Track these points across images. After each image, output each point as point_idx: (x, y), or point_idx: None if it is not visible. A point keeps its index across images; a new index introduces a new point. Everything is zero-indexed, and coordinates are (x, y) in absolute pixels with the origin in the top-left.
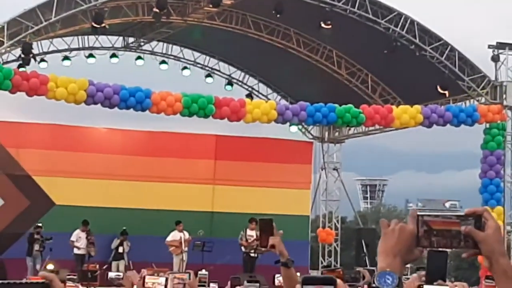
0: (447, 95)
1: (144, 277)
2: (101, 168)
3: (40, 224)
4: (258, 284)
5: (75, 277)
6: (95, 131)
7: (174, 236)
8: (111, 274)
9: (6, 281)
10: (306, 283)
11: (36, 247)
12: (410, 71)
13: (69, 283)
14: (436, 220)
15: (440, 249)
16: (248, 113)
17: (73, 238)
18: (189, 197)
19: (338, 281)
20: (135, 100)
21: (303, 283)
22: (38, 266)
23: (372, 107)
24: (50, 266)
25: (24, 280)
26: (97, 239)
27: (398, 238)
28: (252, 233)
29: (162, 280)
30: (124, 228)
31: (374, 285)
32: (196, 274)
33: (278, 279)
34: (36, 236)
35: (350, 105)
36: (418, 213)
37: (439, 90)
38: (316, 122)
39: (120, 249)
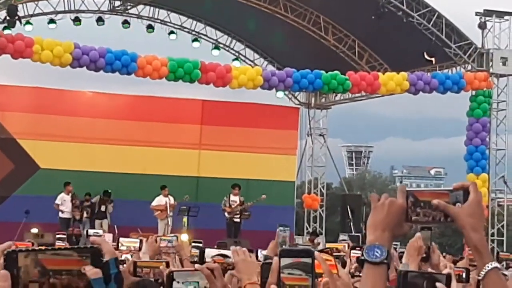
0: (433, 62)
1: (118, 239)
2: (86, 132)
3: None
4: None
5: (64, 236)
6: (80, 95)
7: (160, 201)
8: (90, 231)
9: (54, 247)
10: (283, 255)
11: None
12: (397, 38)
13: (58, 243)
14: (424, 192)
15: (425, 225)
16: (234, 79)
17: (57, 201)
18: (174, 162)
19: (316, 253)
20: (121, 63)
21: (280, 256)
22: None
23: (358, 74)
24: (35, 230)
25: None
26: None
27: (387, 212)
28: (235, 199)
29: (136, 244)
30: (107, 190)
31: (362, 257)
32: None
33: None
34: None
35: (336, 71)
36: (408, 189)
37: (426, 57)
38: (302, 89)
39: (103, 208)
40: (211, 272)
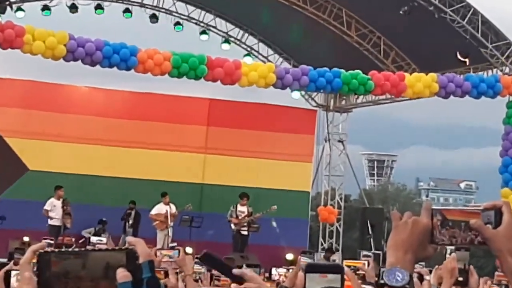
0: (467, 63)
1: (89, 238)
2: (80, 131)
3: None
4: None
5: (52, 241)
6: (74, 90)
7: (160, 209)
8: (94, 239)
9: (87, 249)
10: (310, 271)
11: None
12: (427, 35)
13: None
14: (453, 209)
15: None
16: (243, 76)
17: (47, 207)
18: (177, 167)
19: (346, 269)
20: (120, 57)
21: (306, 271)
22: None
23: (382, 74)
24: (26, 238)
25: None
26: (74, 209)
27: (410, 232)
28: (243, 209)
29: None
30: (104, 219)
31: (382, 281)
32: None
33: (278, 272)
34: None
35: (357, 70)
36: (433, 207)
37: (459, 57)
38: (319, 89)
39: (94, 239)
40: None
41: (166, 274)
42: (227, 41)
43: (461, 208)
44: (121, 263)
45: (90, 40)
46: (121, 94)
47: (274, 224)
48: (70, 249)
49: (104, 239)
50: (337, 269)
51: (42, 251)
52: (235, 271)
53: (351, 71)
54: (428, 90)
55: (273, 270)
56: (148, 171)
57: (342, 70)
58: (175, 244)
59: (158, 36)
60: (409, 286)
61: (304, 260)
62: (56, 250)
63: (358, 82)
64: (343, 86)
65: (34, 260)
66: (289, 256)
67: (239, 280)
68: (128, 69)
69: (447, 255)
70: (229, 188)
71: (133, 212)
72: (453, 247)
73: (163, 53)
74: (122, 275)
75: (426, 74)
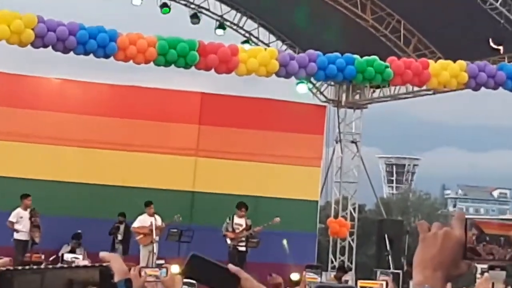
0: (501, 51)
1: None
2: (51, 131)
3: None
4: None
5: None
6: (44, 82)
7: (143, 221)
8: (68, 256)
9: (61, 265)
10: None
11: None
12: (454, 20)
13: None
14: (490, 222)
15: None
16: (241, 63)
17: (12, 218)
18: (163, 172)
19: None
20: (97, 43)
21: None
22: None
23: (402, 60)
24: None
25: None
26: (43, 222)
27: (441, 246)
28: (240, 221)
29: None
30: (79, 231)
31: None
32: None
33: None
34: None
35: (374, 56)
36: (467, 216)
37: (492, 44)
38: (330, 77)
39: (68, 257)
40: None
41: None
42: (222, 25)
43: (500, 221)
44: (93, 282)
45: (63, 24)
46: (99, 87)
47: (286, 244)
48: (35, 267)
49: (80, 257)
50: None
51: (3, 269)
52: (232, 267)
53: (366, 57)
54: (455, 80)
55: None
56: (130, 177)
57: (357, 56)
58: (162, 261)
59: (141, 19)
60: None
61: (310, 276)
62: (20, 268)
63: (375, 70)
64: (357, 75)
65: None
66: (295, 276)
67: (233, 281)
68: (106, 56)
69: (477, 274)
70: (224, 197)
71: (122, 226)
72: (484, 266)
73: (147, 38)
74: None
75: (454, 62)
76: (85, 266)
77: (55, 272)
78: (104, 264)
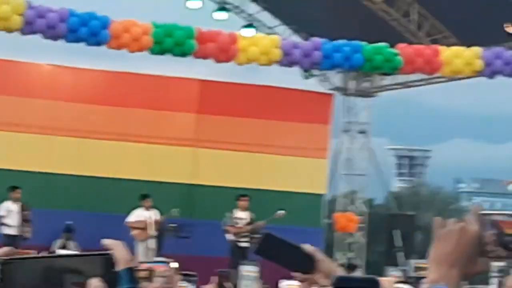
0: None
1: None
2: (41, 120)
3: None
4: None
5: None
6: (34, 68)
7: (139, 215)
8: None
9: (63, 254)
10: (339, 285)
11: None
12: (470, 3)
13: None
14: (510, 220)
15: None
16: (241, 52)
17: (1, 212)
18: (160, 163)
19: (383, 283)
20: (88, 30)
21: (335, 286)
22: None
23: (413, 48)
24: None
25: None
26: (35, 216)
27: (456, 243)
28: (242, 215)
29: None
30: (69, 222)
31: None
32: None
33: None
34: None
35: (383, 43)
36: (486, 212)
37: (507, 30)
38: (336, 67)
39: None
40: None
41: (151, 273)
42: (222, 8)
43: None
44: (96, 270)
45: (52, 9)
46: (92, 73)
47: (281, 212)
48: (38, 255)
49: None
50: (372, 284)
51: (5, 258)
52: (308, 247)
53: (374, 44)
54: (469, 68)
55: (281, 283)
56: (125, 169)
57: (364, 43)
58: (160, 258)
59: (135, 4)
60: None
61: None
62: (22, 256)
63: (384, 58)
64: (364, 63)
65: None
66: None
67: (309, 266)
68: (98, 44)
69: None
70: (224, 190)
71: None
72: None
73: (142, 25)
74: (95, 286)
75: (468, 48)
76: (87, 255)
77: (57, 261)
78: (107, 252)
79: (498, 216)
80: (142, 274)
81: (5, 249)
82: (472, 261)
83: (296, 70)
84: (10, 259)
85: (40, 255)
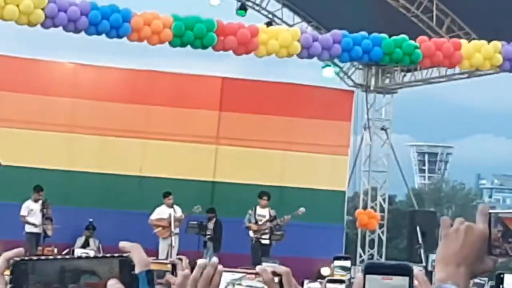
0: None
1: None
2: (64, 118)
3: None
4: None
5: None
6: (58, 67)
7: (161, 212)
8: (78, 251)
9: (78, 255)
10: (371, 271)
11: None
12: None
13: None
14: None
15: None
16: (261, 45)
17: (23, 212)
18: (182, 161)
19: (416, 271)
20: (110, 23)
21: (366, 272)
22: None
23: (433, 41)
24: None
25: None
26: (56, 214)
27: (463, 242)
28: (263, 212)
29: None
30: (91, 220)
31: None
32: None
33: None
34: None
35: (403, 36)
36: (491, 211)
37: None
38: (355, 59)
39: (78, 252)
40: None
41: (174, 267)
42: (243, 7)
43: None
44: (113, 273)
45: (74, 3)
46: (114, 72)
47: (302, 210)
48: (51, 257)
49: (91, 252)
50: (405, 270)
51: (18, 259)
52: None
53: (394, 37)
54: (489, 62)
55: (306, 284)
56: (147, 166)
57: (384, 36)
58: (181, 257)
59: None
60: None
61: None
62: (35, 257)
63: (403, 52)
64: (384, 57)
65: (8, 272)
66: (325, 271)
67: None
68: (119, 37)
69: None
70: (246, 187)
71: (212, 223)
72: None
73: (163, 18)
74: (114, 287)
75: (488, 43)
76: (104, 257)
77: (72, 262)
78: (124, 255)
79: (505, 214)
80: (164, 267)
81: (18, 249)
82: (479, 260)
83: (317, 67)
84: (22, 259)
85: (52, 257)
